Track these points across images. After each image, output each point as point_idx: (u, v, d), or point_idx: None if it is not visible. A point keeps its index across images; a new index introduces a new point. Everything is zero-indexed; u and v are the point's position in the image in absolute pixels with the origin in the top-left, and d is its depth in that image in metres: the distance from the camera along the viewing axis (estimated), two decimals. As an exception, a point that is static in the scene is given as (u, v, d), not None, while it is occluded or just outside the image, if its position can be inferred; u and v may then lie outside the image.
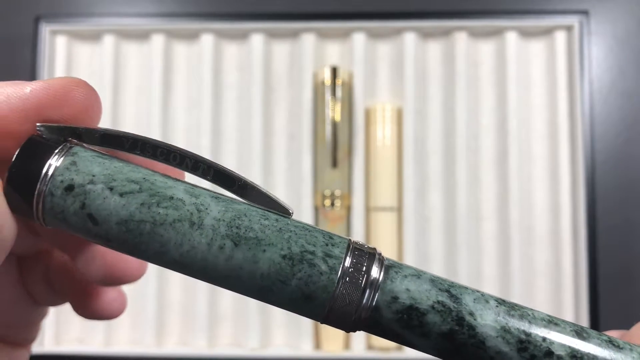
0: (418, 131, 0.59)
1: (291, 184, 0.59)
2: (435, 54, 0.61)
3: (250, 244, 0.15)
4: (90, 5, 0.62)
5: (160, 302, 0.58)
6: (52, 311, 0.57)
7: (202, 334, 0.57)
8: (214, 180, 0.16)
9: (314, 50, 0.59)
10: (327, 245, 0.15)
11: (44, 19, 0.59)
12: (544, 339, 0.15)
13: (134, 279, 0.19)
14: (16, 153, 0.15)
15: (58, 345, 0.58)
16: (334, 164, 0.58)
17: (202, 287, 0.57)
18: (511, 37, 0.59)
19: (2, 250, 0.15)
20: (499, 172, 0.59)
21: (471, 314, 0.15)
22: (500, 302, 0.15)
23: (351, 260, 0.15)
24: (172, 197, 0.15)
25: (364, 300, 0.15)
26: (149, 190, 0.15)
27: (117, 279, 0.18)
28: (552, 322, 0.15)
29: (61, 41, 0.60)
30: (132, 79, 0.61)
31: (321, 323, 0.15)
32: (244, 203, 0.16)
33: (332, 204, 0.57)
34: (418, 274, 0.15)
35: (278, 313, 0.59)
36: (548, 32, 0.60)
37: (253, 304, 0.57)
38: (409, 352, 0.56)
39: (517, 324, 0.15)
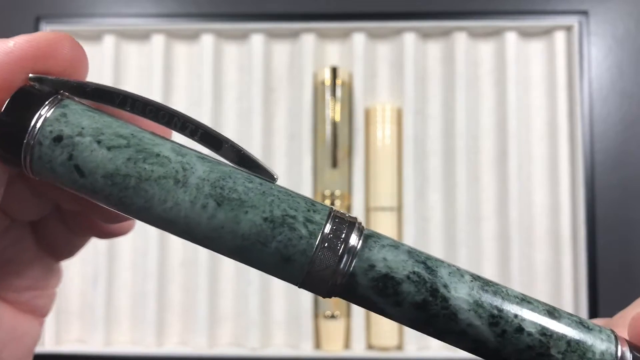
0: (418, 131, 0.59)
1: (291, 184, 0.59)
2: (435, 54, 0.61)
3: (233, 205, 0.15)
4: (90, 6, 0.62)
5: (160, 302, 0.58)
6: (52, 311, 0.57)
7: (202, 334, 0.57)
8: (201, 140, 0.16)
9: (314, 50, 0.59)
10: (308, 211, 0.15)
11: (44, 19, 0.59)
12: (516, 316, 0.15)
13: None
14: (6, 103, 0.15)
15: (58, 345, 0.58)
16: (334, 164, 0.58)
17: (202, 287, 0.57)
18: (511, 38, 0.59)
19: None
20: (498, 172, 0.59)
21: (445, 286, 0.15)
22: (475, 277, 0.15)
23: (331, 227, 0.15)
24: (158, 154, 0.15)
25: (341, 266, 0.15)
26: (136, 146, 0.15)
27: (120, 218, 0.19)
28: (525, 300, 0.15)
29: (61, 41, 0.60)
30: (132, 79, 0.61)
31: (298, 287, 0.16)
32: (229, 166, 0.16)
33: (332, 204, 0.57)
34: (396, 245, 0.16)
35: (278, 313, 0.59)
36: (548, 32, 0.60)
37: (253, 304, 0.57)
38: (409, 352, 0.56)
39: (491, 300, 0.15)
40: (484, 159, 0.60)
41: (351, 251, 0.15)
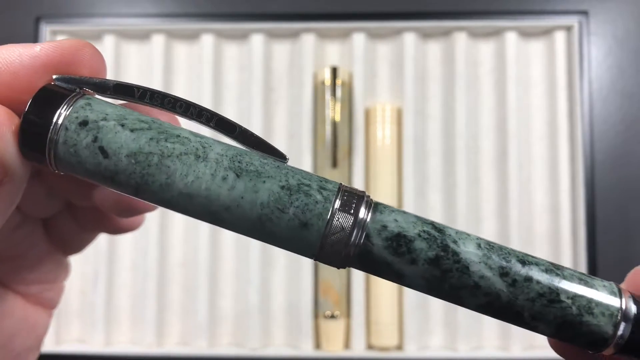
0: (418, 131, 0.59)
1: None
2: (435, 54, 0.61)
3: (251, 176, 0.16)
4: (90, 6, 0.62)
5: (160, 302, 0.58)
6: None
7: (202, 334, 0.57)
8: (216, 126, 0.17)
9: (314, 50, 0.59)
10: (321, 181, 0.17)
11: (44, 19, 0.59)
12: (523, 266, 0.16)
13: (147, 210, 0.20)
14: (30, 101, 0.16)
15: (58, 345, 0.58)
16: (334, 164, 0.58)
17: (202, 287, 0.57)
18: (511, 38, 0.59)
19: (15, 189, 0.16)
20: (498, 172, 0.59)
21: (455, 242, 0.16)
22: (480, 237, 0.17)
23: (343, 195, 0.16)
24: (178, 135, 0.16)
25: (356, 228, 0.16)
26: (157, 129, 0.16)
27: (133, 210, 0.20)
28: (528, 255, 0.16)
29: (61, 41, 0.60)
30: (132, 79, 0.61)
31: (314, 259, 0.16)
32: (244, 148, 0.17)
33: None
34: (404, 211, 0.17)
35: (278, 313, 0.59)
36: (548, 32, 0.60)
37: (253, 304, 0.57)
38: (409, 352, 0.56)
39: (498, 253, 0.16)
40: (484, 159, 0.60)
41: (364, 215, 0.16)
